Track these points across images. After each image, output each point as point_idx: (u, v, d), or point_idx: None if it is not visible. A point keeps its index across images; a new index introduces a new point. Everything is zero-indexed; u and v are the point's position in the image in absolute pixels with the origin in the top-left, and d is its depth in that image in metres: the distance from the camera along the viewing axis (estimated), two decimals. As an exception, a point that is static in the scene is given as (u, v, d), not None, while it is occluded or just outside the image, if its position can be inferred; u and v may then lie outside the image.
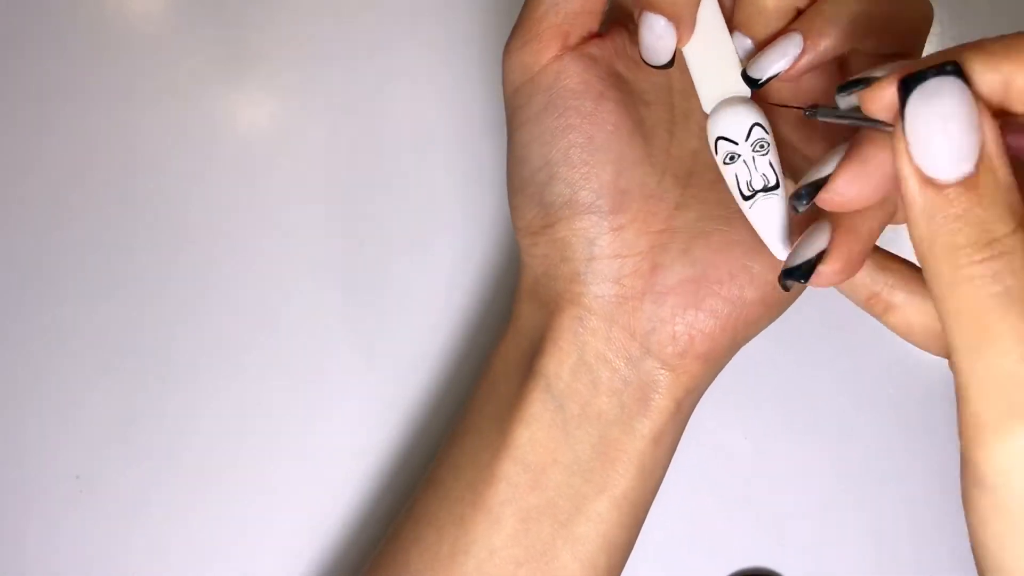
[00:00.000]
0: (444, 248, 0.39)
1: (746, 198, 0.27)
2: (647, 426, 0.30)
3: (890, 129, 0.21)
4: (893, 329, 0.27)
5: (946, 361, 0.38)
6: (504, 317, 0.33)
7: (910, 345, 0.38)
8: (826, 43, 0.26)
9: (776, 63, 0.27)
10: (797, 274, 0.25)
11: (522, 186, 0.30)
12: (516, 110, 0.30)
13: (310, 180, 0.39)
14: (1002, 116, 0.20)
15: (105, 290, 0.38)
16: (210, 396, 0.38)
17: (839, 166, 0.23)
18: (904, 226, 0.21)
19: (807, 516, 0.38)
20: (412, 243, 0.39)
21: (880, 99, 0.21)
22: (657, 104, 0.30)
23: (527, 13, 0.30)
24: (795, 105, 0.28)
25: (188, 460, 0.38)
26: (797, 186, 0.24)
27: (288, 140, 0.39)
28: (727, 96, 0.28)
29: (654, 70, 0.29)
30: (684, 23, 0.27)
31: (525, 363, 0.30)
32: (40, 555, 0.37)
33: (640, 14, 0.27)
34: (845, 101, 0.24)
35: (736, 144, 0.27)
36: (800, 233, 0.26)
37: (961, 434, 0.21)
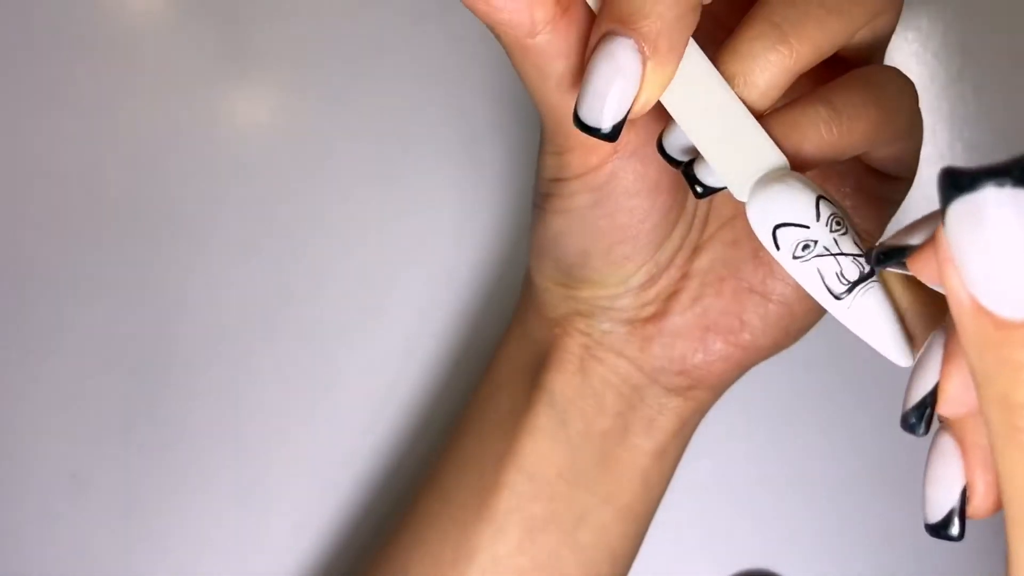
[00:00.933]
0: (444, 248, 0.39)
1: (838, 297, 0.21)
2: (650, 444, 0.30)
3: None
4: None
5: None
6: (504, 319, 0.33)
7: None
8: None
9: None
10: (945, 530, 0.20)
11: (548, 254, 0.28)
12: (554, 198, 0.26)
13: (310, 179, 0.39)
14: None
15: (103, 288, 0.38)
16: (208, 394, 0.38)
17: (943, 370, 0.18)
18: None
19: (807, 516, 0.38)
20: (412, 243, 0.39)
21: (933, 269, 0.16)
22: None
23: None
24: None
25: (185, 458, 0.38)
26: (904, 411, 0.20)
27: (288, 139, 0.39)
28: (764, 171, 0.21)
29: (585, 142, 0.23)
30: (660, 56, 0.20)
31: (531, 371, 0.30)
32: (36, 553, 0.37)
33: (597, 41, 0.20)
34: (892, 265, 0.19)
35: (807, 228, 0.21)
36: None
37: None
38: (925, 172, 0.39)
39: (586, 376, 0.29)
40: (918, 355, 0.20)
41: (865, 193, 0.26)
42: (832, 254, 0.21)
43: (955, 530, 0.20)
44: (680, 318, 0.28)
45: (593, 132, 0.21)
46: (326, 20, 0.40)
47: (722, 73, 0.22)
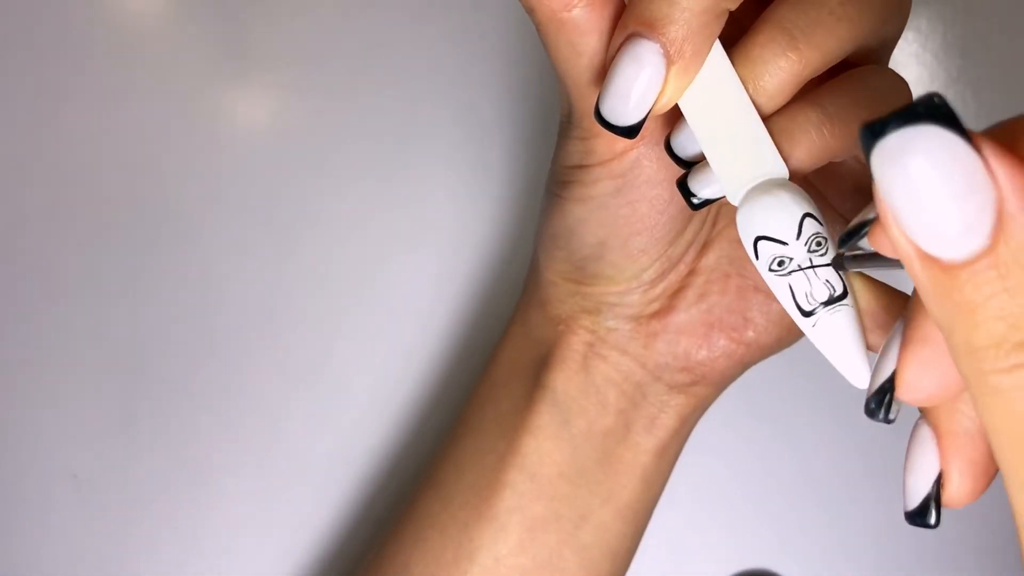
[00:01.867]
0: (445, 247, 0.39)
1: (806, 314, 0.22)
2: (652, 442, 0.30)
3: None
4: None
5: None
6: (503, 318, 0.33)
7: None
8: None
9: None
10: (922, 517, 0.20)
11: (563, 245, 0.28)
12: (575, 185, 0.26)
13: (311, 179, 0.39)
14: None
15: (103, 288, 0.38)
16: (208, 395, 0.38)
17: (900, 356, 0.18)
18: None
19: (807, 516, 0.38)
20: (413, 242, 0.39)
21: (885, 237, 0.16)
22: None
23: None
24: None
25: (186, 459, 0.38)
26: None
27: (288, 138, 0.39)
28: (760, 179, 0.21)
29: (607, 138, 0.23)
30: (684, 60, 0.21)
31: (532, 370, 0.30)
32: (37, 554, 0.37)
33: (622, 42, 0.21)
34: (858, 247, 0.19)
35: (785, 245, 0.21)
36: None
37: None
38: (925, 172, 0.39)
39: (589, 374, 0.29)
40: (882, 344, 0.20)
41: (865, 193, 0.26)
42: (804, 272, 0.21)
43: (931, 518, 0.20)
44: (685, 315, 0.28)
45: (613, 129, 0.21)
46: (326, 19, 0.40)
47: None
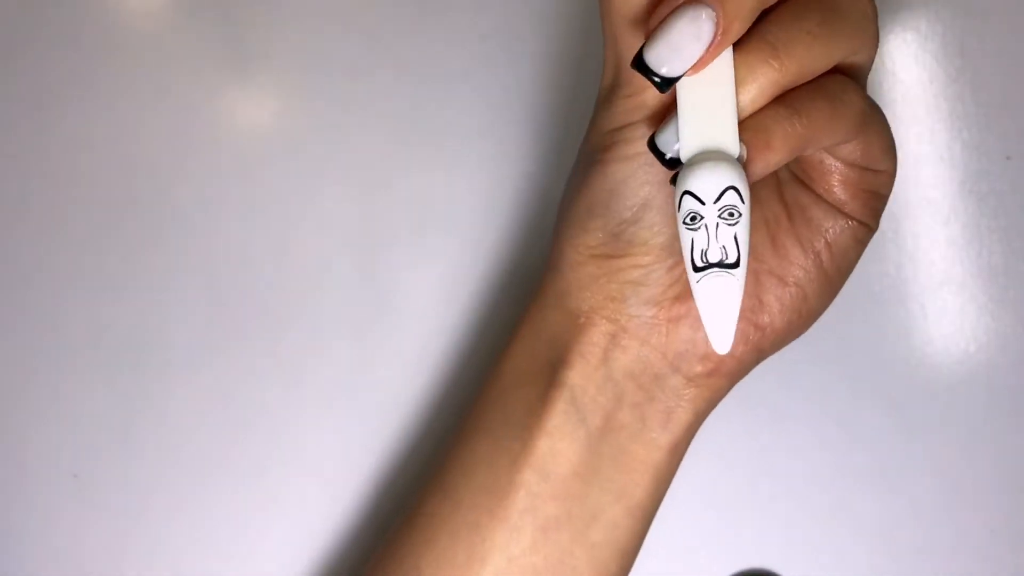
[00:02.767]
0: (448, 248, 0.39)
1: (697, 269, 0.25)
2: (666, 437, 0.30)
3: None
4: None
5: (948, 361, 0.38)
6: (509, 319, 0.33)
7: (911, 345, 0.38)
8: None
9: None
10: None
11: (600, 212, 0.28)
12: (620, 145, 0.27)
13: (311, 179, 0.39)
14: None
15: (104, 288, 0.38)
16: (209, 395, 0.38)
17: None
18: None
19: (807, 516, 0.38)
20: (415, 243, 0.39)
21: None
22: None
23: None
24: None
25: (186, 459, 0.38)
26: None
27: (289, 139, 0.39)
28: (710, 147, 0.24)
29: (640, 85, 0.26)
30: (731, 34, 0.24)
31: (546, 370, 0.30)
32: (38, 553, 0.37)
33: (676, 7, 0.24)
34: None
35: (703, 204, 0.24)
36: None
37: None
38: (924, 172, 0.39)
39: (608, 368, 0.29)
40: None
41: (850, 187, 0.29)
42: (708, 231, 0.24)
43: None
44: None
45: (650, 75, 0.24)
46: (326, 20, 0.40)
47: None
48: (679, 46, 0.24)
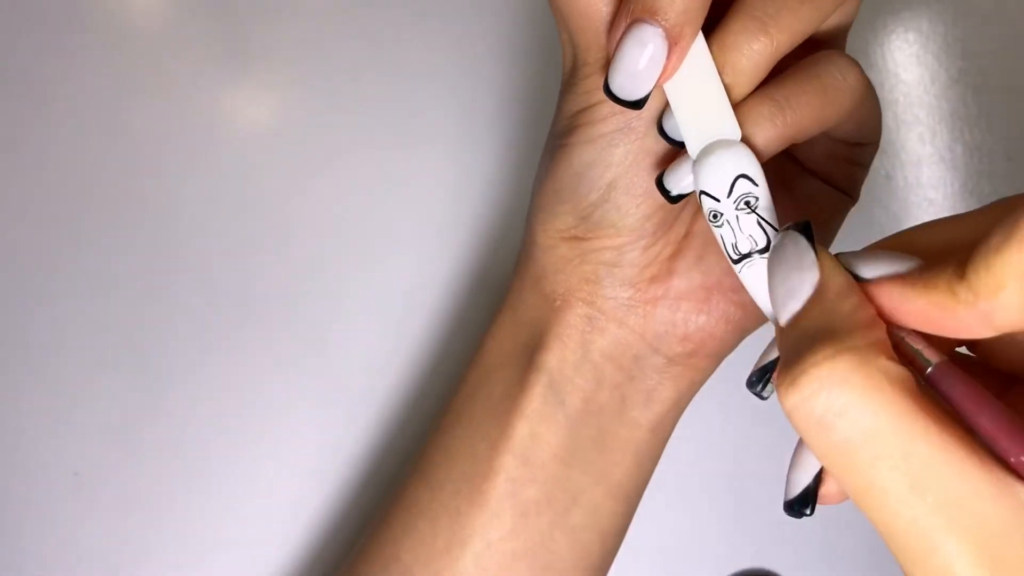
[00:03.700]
0: (444, 244, 0.39)
1: (735, 261, 0.25)
2: (647, 417, 0.30)
3: None
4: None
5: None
6: (491, 308, 0.33)
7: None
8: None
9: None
10: (800, 507, 0.22)
11: (567, 197, 0.28)
12: (584, 127, 0.27)
13: (310, 177, 0.39)
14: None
15: (104, 287, 0.38)
16: (207, 392, 0.38)
17: (822, 473, 0.22)
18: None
19: (807, 517, 0.38)
20: (410, 238, 0.39)
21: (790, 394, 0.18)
22: None
23: None
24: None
25: (186, 456, 0.38)
26: (785, 499, 0.22)
27: (288, 137, 0.39)
28: (712, 140, 0.25)
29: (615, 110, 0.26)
30: (683, 41, 0.24)
31: (524, 354, 0.30)
32: (38, 551, 0.37)
33: (626, 27, 0.24)
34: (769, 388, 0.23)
35: (718, 201, 0.24)
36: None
37: None
38: (926, 173, 0.39)
39: (586, 350, 0.29)
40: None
41: (836, 158, 0.29)
42: (731, 226, 0.25)
43: (808, 508, 0.22)
44: (684, 278, 0.29)
45: (622, 103, 0.25)
46: (326, 19, 0.40)
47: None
48: (634, 72, 0.24)
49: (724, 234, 0.25)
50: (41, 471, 0.37)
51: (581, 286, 0.29)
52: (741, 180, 0.24)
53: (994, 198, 0.38)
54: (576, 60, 0.27)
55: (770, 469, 0.38)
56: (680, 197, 0.26)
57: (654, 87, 0.24)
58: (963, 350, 0.22)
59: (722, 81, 0.24)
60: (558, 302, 0.29)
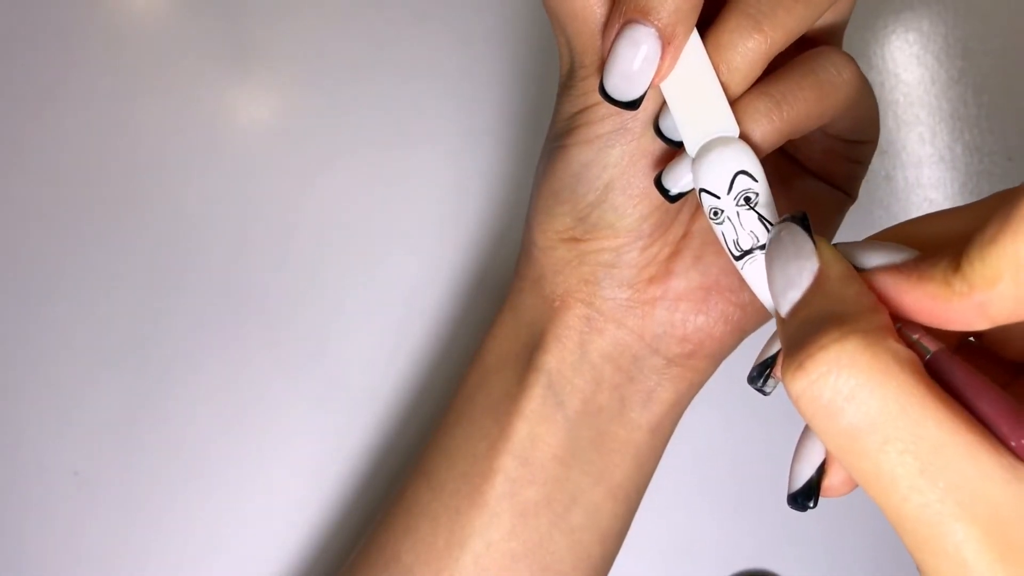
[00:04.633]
0: (445, 244, 0.39)
1: (737, 258, 0.25)
2: (646, 418, 0.30)
3: None
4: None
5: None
6: (491, 308, 0.33)
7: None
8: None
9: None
10: (803, 499, 0.22)
11: (565, 198, 0.28)
12: (582, 128, 0.27)
13: (310, 178, 0.39)
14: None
15: (104, 286, 0.38)
16: (208, 391, 0.38)
17: (826, 465, 0.22)
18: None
19: (807, 517, 0.38)
20: (410, 238, 0.39)
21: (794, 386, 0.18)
22: None
23: None
24: None
25: (186, 456, 0.38)
26: (789, 492, 0.23)
27: (289, 137, 0.39)
28: (711, 137, 0.25)
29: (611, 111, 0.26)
30: (677, 40, 0.24)
31: (524, 355, 0.30)
32: (39, 550, 0.37)
33: (619, 28, 0.24)
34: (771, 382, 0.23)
35: (718, 198, 0.24)
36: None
37: None
38: (926, 173, 0.39)
39: (585, 351, 0.29)
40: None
41: (834, 155, 0.29)
42: (732, 223, 0.24)
43: (811, 501, 0.22)
44: (683, 279, 0.29)
45: (617, 103, 0.24)
46: (327, 19, 0.40)
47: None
48: (629, 73, 0.24)
49: (725, 231, 0.25)
50: (41, 470, 0.37)
51: (580, 287, 0.29)
52: (741, 176, 0.24)
53: (994, 198, 0.38)
54: (572, 62, 0.27)
55: (770, 469, 0.38)
56: (679, 196, 0.26)
57: (649, 87, 0.24)
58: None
59: (719, 79, 0.24)
60: (557, 303, 0.29)
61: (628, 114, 0.26)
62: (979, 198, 0.38)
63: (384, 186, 0.39)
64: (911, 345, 0.19)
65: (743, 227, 0.24)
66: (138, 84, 0.40)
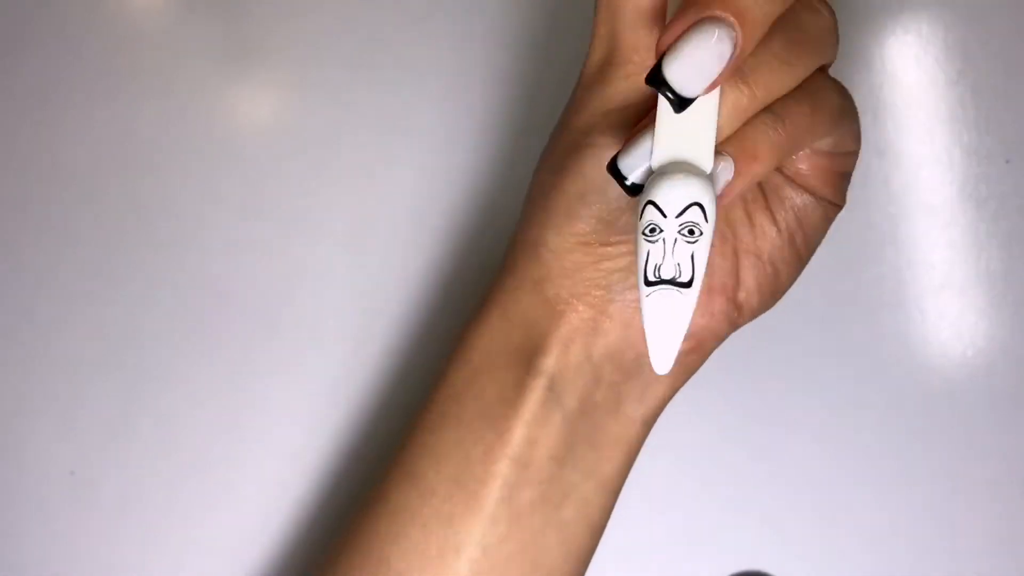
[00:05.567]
0: (446, 243, 0.39)
1: (648, 283, 0.24)
2: (640, 412, 0.30)
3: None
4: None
5: (947, 365, 0.38)
6: (464, 304, 0.33)
7: (910, 345, 0.38)
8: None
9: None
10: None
11: (595, 200, 0.28)
12: (621, 127, 0.27)
13: (310, 176, 0.39)
14: None
15: (102, 287, 0.38)
16: (204, 393, 0.38)
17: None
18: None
19: (806, 517, 0.38)
20: (412, 239, 0.39)
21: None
22: None
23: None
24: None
25: (182, 456, 0.38)
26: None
27: (289, 137, 0.39)
28: (682, 159, 0.24)
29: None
30: (747, 53, 0.23)
31: (521, 357, 0.30)
32: (35, 551, 0.37)
33: (700, 18, 0.23)
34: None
35: (664, 217, 0.24)
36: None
37: None
38: (924, 176, 0.39)
39: (588, 353, 0.29)
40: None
41: (818, 168, 0.29)
42: (664, 246, 0.24)
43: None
44: None
45: (666, 92, 0.23)
46: (328, 17, 0.40)
47: None
48: (700, 65, 0.23)
49: (653, 250, 0.24)
50: (37, 471, 0.37)
51: (590, 291, 0.29)
52: (695, 208, 0.23)
53: (992, 201, 0.38)
54: (613, 57, 0.26)
55: (768, 469, 0.38)
56: (637, 188, 0.25)
57: (708, 87, 0.23)
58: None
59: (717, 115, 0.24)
60: (561, 306, 0.29)
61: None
62: (977, 200, 0.39)
63: (383, 186, 0.39)
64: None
65: (673, 256, 0.24)
66: (137, 84, 0.40)
